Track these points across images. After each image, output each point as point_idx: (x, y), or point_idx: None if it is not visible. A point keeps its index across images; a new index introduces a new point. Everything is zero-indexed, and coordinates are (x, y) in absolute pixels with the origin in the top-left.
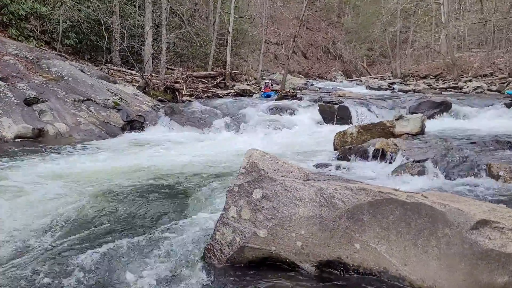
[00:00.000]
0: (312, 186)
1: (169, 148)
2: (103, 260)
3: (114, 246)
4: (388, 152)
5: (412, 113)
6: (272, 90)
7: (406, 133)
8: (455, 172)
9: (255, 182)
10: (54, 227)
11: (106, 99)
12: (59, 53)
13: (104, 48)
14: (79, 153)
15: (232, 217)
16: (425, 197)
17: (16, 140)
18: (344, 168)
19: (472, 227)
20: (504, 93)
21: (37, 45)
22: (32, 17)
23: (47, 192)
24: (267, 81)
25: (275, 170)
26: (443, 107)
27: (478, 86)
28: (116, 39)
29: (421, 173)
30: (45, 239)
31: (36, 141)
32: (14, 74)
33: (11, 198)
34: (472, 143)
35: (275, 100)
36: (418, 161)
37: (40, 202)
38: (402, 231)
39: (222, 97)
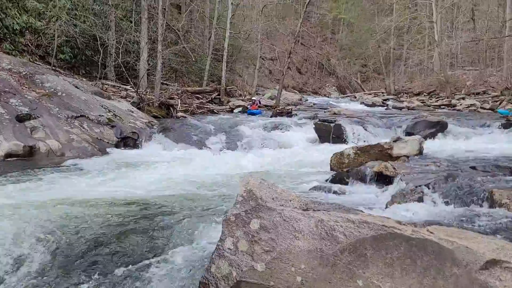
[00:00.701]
0: (312, 217)
1: (162, 167)
2: None
3: (98, 283)
4: (387, 175)
5: (409, 133)
6: (259, 108)
7: (404, 155)
8: (455, 200)
9: (253, 212)
10: (33, 256)
11: (99, 115)
12: (53, 67)
13: (99, 63)
14: (67, 174)
15: (229, 248)
16: (431, 232)
17: (6, 159)
18: (342, 192)
19: (481, 267)
20: (496, 111)
21: (31, 59)
22: (27, 31)
23: (28, 217)
24: (254, 98)
25: (273, 198)
26: (439, 127)
27: (471, 104)
28: (112, 55)
29: (421, 199)
30: (23, 270)
31: (26, 159)
32: (7, 89)
33: None
34: (471, 167)
35: (270, 117)
36: (418, 187)
37: (20, 229)
38: (407, 268)
39: (217, 113)
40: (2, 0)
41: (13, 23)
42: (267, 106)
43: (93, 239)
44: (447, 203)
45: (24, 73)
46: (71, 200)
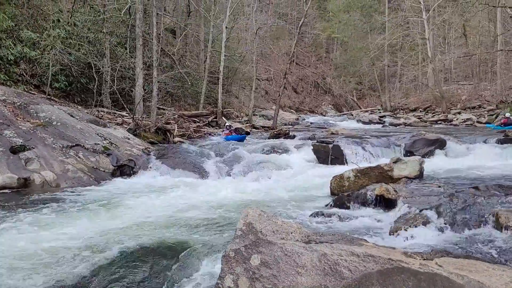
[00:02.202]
0: (315, 250)
1: (158, 197)
2: None
3: None
4: (389, 198)
5: (408, 151)
6: (236, 133)
7: (404, 177)
8: (460, 224)
9: (253, 247)
10: None
11: (95, 143)
12: (48, 96)
13: (94, 91)
14: (61, 207)
15: (229, 287)
16: (440, 266)
17: (0, 191)
18: (343, 217)
19: None
20: (486, 127)
21: (26, 89)
22: (22, 61)
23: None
24: (227, 124)
25: (273, 231)
26: (438, 145)
27: (467, 118)
28: (107, 82)
29: (425, 224)
30: None
31: (20, 191)
32: (1, 121)
33: None
34: (474, 188)
35: (268, 138)
36: (421, 211)
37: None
38: None
39: (214, 136)
40: None
41: (8, 53)
42: (264, 127)
43: (87, 274)
44: (452, 228)
45: (18, 103)
46: (63, 238)
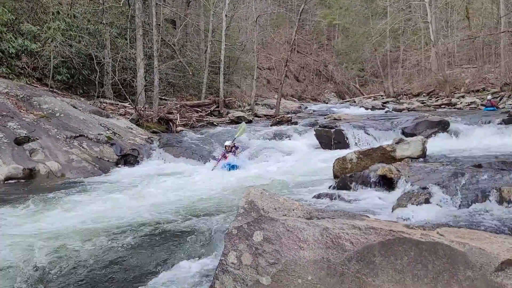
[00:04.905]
0: (317, 225)
1: (163, 183)
2: None
3: None
4: (391, 178)
5: (410, 134)
6: (235, 152)
7: (407, 157)
8: (464, 199)
9: (255, 223)
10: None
11: (99, 134)
12: (50, 89)
13: (96, 82)
14: (66, 196)
15: (232, 263)
16: (441, 235)
17: (6, 181)
18: (346, 198)
19: (497, 268)
20: (482, 110)
21: (28, 82)
22: (23, 54)
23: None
24: (228, 143)
25: (275, 208)
26: (441, 126)
27: (471, 102)
28: (108, 73)
29: (428, 201)
30: None
31: (26, 182)
32: (4, 113)
33: None
34: (477, 165)
35: (270, 125)
36: (424, 188)
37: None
38: (418, 274)
39: (217, 125)
40: None
41: (9, 47)
42: (267, 116)
43: (93, 261)
44: (454, 203)
45: (21, 96)
46: (75, 222)
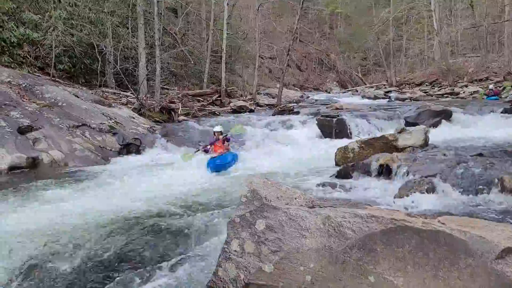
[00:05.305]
0: (319, 214)
1: (166, 173)
2: None
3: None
4: (393, 167)
5: (413, 123)
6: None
7: (409, 146)
8: (465, 188)
9: (258, 212)
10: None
11: (101, 123)
12: (53, 78)
13: (98, 71)
14: (70, 185)
15: (235, 251)
16: (442, 223)
17: (11, 171)
18: (348, 187)
19: (497, 256)
20: (484, 98)
21: (30, 71)
22: (25, 43)
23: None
24: (218, 129)
25: (278, 197)
26: (444, 116)
27: (474, 91)
28: (110, 62)
29: (430, 190)
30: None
31: (30, 171)
32: (7, 102)
33: None
34: (479, 154)
35: (272, 115)
36: (426, 177)
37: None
38: (420, 262)
39: (219, 115)
40: None
41: (10, 35)
42: (269, 105)
43: (99, 248)
44: (456, 193)
45: (23, 85)
46: (79, 211)
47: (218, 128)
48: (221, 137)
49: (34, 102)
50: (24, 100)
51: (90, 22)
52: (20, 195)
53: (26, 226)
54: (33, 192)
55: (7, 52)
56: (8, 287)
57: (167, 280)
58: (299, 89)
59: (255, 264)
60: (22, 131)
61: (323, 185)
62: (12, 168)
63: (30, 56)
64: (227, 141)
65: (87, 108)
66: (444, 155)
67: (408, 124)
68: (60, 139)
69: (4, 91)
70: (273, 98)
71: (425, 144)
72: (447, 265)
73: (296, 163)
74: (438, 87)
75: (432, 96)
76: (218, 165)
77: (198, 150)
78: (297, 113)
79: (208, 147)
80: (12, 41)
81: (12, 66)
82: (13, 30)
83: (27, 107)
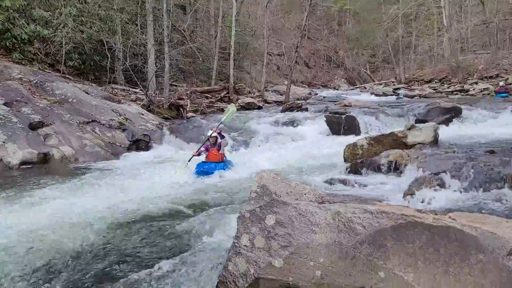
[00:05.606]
0: (328, 209)
1: (174, 168)
2: None
3: (120, 284)
4: (403, 164)
5: (422, 120)
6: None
7: (419, 143)
8: (475, 185)
9: (268, 207)
10: (58, 264)
11: (111, 119)
12: (63, 75)
13: (108, 68)
14: (81, 180)
15: (245, 245)
16: (453, 219)
17: (22, 166)
18: (357, 183)
19: (509, 252)
20: (494, 96)
21: (41, 68)
22: (35, 40)
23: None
24: (210, 133)
25: (287, 193)
26: (453, 113)
27: (484, 88)
28: (119, 59)
29: (440, 186)
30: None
31: (41, 166)
32: (18, 98)
33: None
34: (489, 151)
35: (281, 112)
36: (435, 174)
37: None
38: (430, 257)
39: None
40: (9, 11)
41: (21, 32)
42: (277, 102)
43: (110, 243)
44: (466, 189)
45: (34, 81)
46: (90, 206)
47: (213, 133)
48: (216, 139)
49: (45, 99)
50: (35, 96)
51: (100, 19)
52: (31, 190)
53: (35, 221)
54: (43, 188)
55: (18, 49)
56: (10, 283)
57: (178, 275)
58: (307, 86)
59: (265, 259)
60: (33, 127)
61: (332, 181)
62: (23, 163)
63: (41, 53)
64: (222, 138)
65: (97, 104)
66: (454, 152)
67: (417, 121)
68: (70, 135)
69: (15, 88)
70: (281, 95)
71: (435, 141)
72: (457, 261)
73: (304, 159)
74: (448, 84)
75: (441, 93)
76: (202, 172)
77: (190, 160)
78: (306, 110)
79: (202, 149)
80: (23, 38)
81: (23, 62)
82: (24, 27)
83: (38, 103)
